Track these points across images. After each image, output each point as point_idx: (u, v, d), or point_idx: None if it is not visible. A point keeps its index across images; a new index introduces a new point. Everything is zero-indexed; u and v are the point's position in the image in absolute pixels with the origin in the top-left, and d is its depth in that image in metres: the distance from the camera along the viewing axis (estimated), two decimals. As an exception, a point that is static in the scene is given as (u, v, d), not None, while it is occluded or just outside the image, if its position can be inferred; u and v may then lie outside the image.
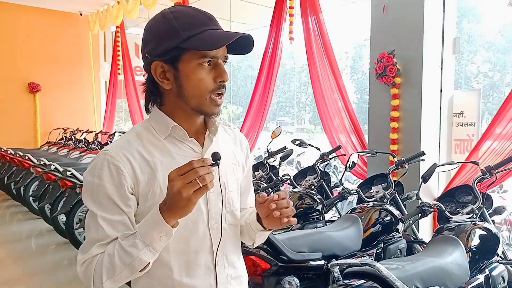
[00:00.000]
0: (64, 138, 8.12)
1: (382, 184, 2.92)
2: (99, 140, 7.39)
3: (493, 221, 2.45)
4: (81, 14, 8.77)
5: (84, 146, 7.29)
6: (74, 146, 7.46)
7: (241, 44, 1.04)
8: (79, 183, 4.20)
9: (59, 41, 8.92)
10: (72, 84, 9.18)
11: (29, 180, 5.85)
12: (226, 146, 1.17)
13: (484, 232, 2.19)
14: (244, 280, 1.20)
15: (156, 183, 1.01)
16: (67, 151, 7.20)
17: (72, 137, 7.83)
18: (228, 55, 1.05)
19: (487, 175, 2.40)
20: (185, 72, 1.01)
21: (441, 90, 3.69)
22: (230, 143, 1.20)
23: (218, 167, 0.95)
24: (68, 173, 4.60)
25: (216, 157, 0.93)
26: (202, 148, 1.10)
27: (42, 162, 5.49)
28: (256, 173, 4.05)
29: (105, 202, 0.99)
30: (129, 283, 1.09)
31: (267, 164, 3.97)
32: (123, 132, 7.04)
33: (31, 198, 5.91)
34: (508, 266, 2.26)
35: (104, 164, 0.99)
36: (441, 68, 3.68)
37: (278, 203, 1.02)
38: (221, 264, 1.10)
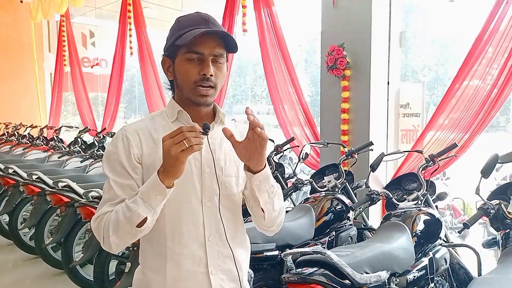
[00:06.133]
0: (6, 133, 7.61)
1: (334, 174, 3.00)
2: (45, 135, 7.01)
3: (436, 206, 2.58)
4: (21, 1, 8.18)
5: (28, 142, 6.87)
6: (17, 142, 7.01)
7: (229, 43, 1.20)
8: (23, 181, 3.97)
9: (-3, 30, 8.33)
10: (14, 76, 8.60)
11: (-34, 179, 5.47)
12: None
13: (428, 217, 2.31)
14: (242, 262, 1.28)
15: (157, 156, 1.13)
16: (10, 148, 6.77)
17: (15, 132, 7.36)
18: (226, 53, 1.21)
19: (430, 163, 2.51)
20: (177, 64, 1.20)
21: (388, 82, 3.83)
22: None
23: (207, 136, 1.09)
24: (10, 171, 4.34)
25: (205, 126, 1.07)
26: None
27: (-20, 160, 5.15)
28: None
29: (117, 168, 1.18)
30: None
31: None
32: (70, 127, 6.77)
33: (-31, 199, 5.54)
34: (450, 249, 2.40)
35: (119, 136, 1.21)
36: (388, 61, 3.81)
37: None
38: (212, 240, 1.21)
